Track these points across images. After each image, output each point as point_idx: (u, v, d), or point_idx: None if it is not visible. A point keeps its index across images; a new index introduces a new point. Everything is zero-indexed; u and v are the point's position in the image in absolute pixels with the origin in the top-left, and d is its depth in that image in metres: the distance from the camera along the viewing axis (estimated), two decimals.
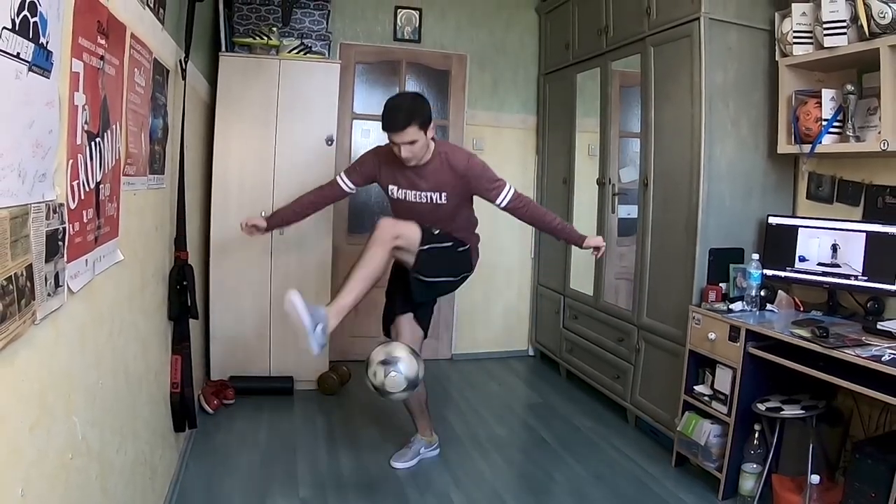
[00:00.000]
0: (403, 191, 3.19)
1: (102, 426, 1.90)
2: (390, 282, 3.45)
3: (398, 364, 2.88)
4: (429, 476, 3.34)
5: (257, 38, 4.30)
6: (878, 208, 3.13)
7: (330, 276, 4.43)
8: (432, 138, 3.10)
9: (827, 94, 3.11)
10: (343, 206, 5.06)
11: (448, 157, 3.13)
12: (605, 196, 4.44)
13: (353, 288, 2.92)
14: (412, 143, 2.97)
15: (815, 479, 2.73)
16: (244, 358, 4.33)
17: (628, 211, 4.25)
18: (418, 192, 3.15)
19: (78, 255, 1.60)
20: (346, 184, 3.33)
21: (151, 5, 2.37)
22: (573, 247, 4.83)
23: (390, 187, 3.22)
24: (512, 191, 3.16)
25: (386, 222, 3.04)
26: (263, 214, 3.47)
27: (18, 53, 1.15)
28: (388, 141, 3.05)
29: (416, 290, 3.15)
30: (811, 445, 2.86)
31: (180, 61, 3.05)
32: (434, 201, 3.15)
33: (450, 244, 3.20)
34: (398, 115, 2.95)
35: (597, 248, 3.29)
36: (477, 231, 3.43)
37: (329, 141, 4.36)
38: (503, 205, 3.17)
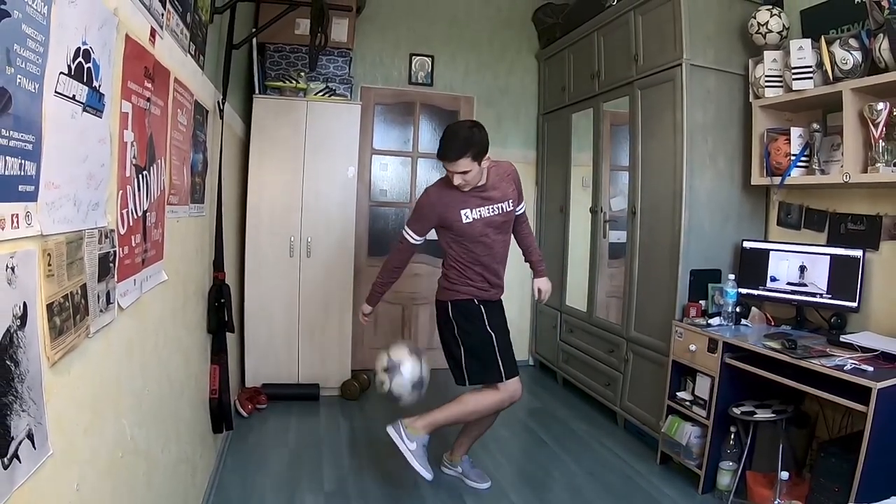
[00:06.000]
0: (478, 210, 2.87)
1: (149, 428, 1.90)
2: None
3: (400, 368, 2.83)
4: (440, 474, 3.31)
5: (287, 81, 4.34)
6: (840, 234, 3.12)
7: (352, 296, 4.42)
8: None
9: (795, 132, 3.12)
10: (363, 229, 5.08)
11: (498, 167, 2.96)
12: (597, 223, 4.44)
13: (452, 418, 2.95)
14: (465, 172, 2.74)
15: (784, 475, 2.70)
16: (275, 367, 4.33)
17: (618, 236, 4.24)
18: (491, 206, 2.89)
19: (127, 275, 1.61)
20: (412, 237, 2.97)
21: (193, 53, 2.39)
22: (569, 266, 4.91)
23: (463, 212, 2.86)
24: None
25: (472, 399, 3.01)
26: (365, 312, 3.20)
27: (74, 95, 1.16)
28: (436, 180, 2.95)
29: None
30: (781, 445, 2.83)
31: (218, 103, 3.08)
32: (504, 210, 2.93)
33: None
34: (453, 145, 2.71)
35: (539, 290, 3.22)
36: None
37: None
38: (520, 211, 3.08)
